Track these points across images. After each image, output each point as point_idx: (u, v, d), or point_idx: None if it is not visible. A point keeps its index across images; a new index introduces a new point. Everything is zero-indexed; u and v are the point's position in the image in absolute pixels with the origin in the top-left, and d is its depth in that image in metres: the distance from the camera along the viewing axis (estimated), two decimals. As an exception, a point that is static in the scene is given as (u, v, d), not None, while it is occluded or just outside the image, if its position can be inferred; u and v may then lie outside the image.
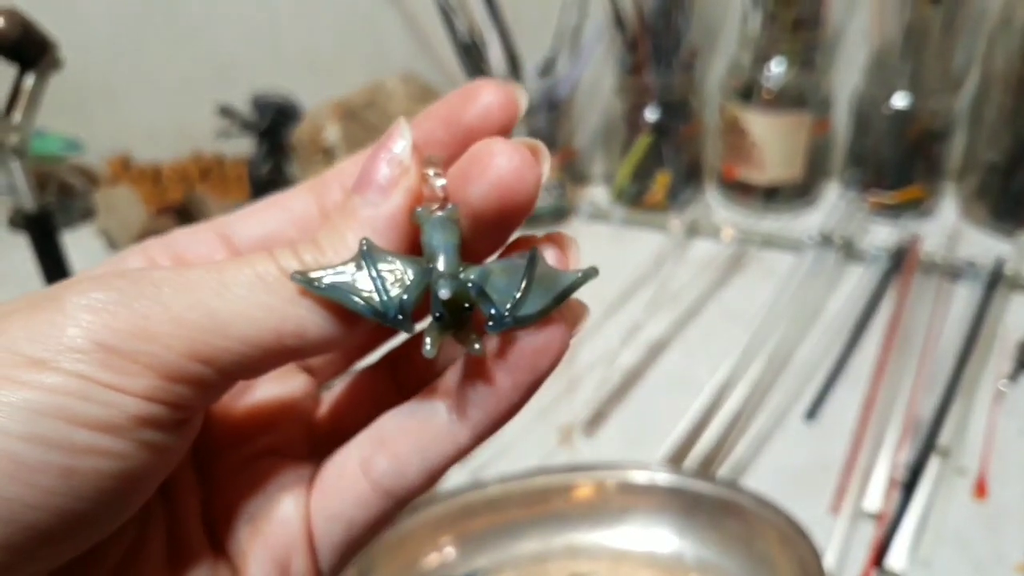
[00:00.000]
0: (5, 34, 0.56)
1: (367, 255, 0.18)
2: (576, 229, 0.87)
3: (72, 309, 0.17)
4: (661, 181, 0.86)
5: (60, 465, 0.16)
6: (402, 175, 0.19)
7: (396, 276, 0.18)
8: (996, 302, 0.68)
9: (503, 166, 0.18)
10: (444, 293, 0.18)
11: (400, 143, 0.19)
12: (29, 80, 0.60)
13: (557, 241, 0.21)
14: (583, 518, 0.50)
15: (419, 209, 0.19)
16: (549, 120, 0.84)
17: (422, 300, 0.18)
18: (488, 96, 0.20)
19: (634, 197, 0.88)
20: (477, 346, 0.18)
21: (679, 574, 0.48)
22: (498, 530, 0.50)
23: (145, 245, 0.22)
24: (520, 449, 0.59)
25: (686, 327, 0.71)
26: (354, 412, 0.24)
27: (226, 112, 0.90)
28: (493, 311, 0.18)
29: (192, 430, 0.19)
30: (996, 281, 0.70)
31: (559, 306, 0.19)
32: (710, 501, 0.49)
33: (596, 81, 0.89)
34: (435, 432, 0.20)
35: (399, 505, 0.21)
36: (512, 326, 0.18)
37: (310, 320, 0.18)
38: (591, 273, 0.20)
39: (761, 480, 0.55)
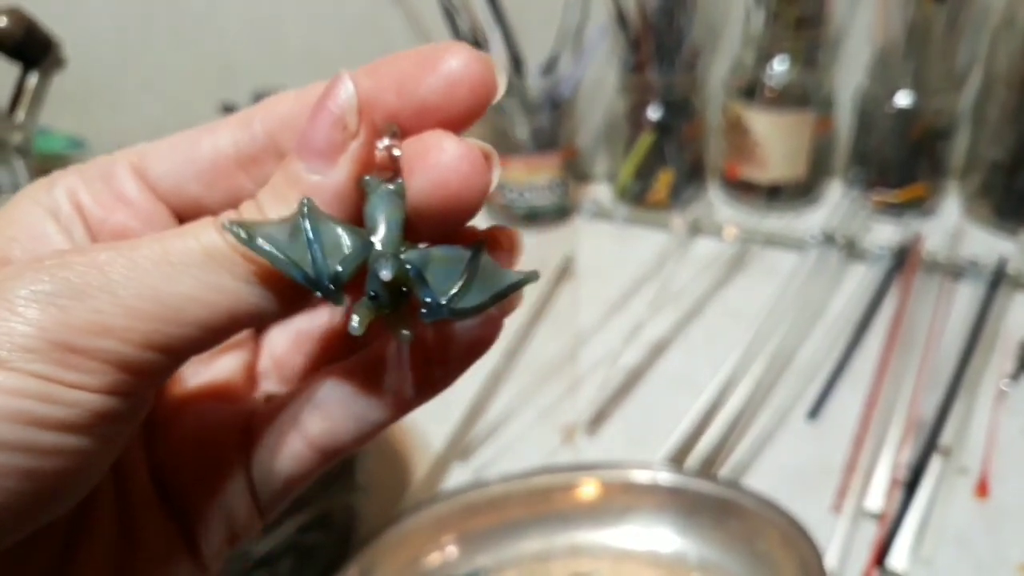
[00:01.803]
0: (9, 33, 0.56)
1: (308, 217, 0.17)
2: (578, 227, 0.87)
3: (19, 304, 0.16)
4: (664, 180, 0.86)
5: (23, 468, 0.16)
6: (347, 139, 0.17)
7: (334, 244, 0.17)
8: (999, 301, 0.68)
9: (450, 167, 0.17)
10: (385, 274, 0.17)
11: (342, 100, 0.17)
12: (32, 79, 0.60)
13: (503, 240, 0.19)
14: (585, 517, 0.51)
15: (367, 177, 0.18)
16: (552, 119, 0.84)
17: (358, 273, 0.17)
18: (454, 62, 0.18)
19: (637, 196, 0.88)
20: (406, 333, 0.18)
21: (681, 573, 0.48)
22: (500, 529, 0.50)
23: (66, 178, 0.20)
24: (522, 448, 0.59)
25: (688, 326, 0.71)
26: (296, 358, 0.24)
27: (229, 110, 0.90)
28: (429, 300, 0.17)
29: (144, 412, 0.18)
30: (999, 280, 0.70)
31: (496, 304, 0.18)
32: (712, 501, 0.49)
33: (599, 80, 0.89)
34: (368, 401, 0.21)
35: (333, 458, 0.22)
36: (447, 318, 0.18)
37: (264, 297, 0.17)
38: (532, 277, 0.19)
39: (763, 480, 0.55)
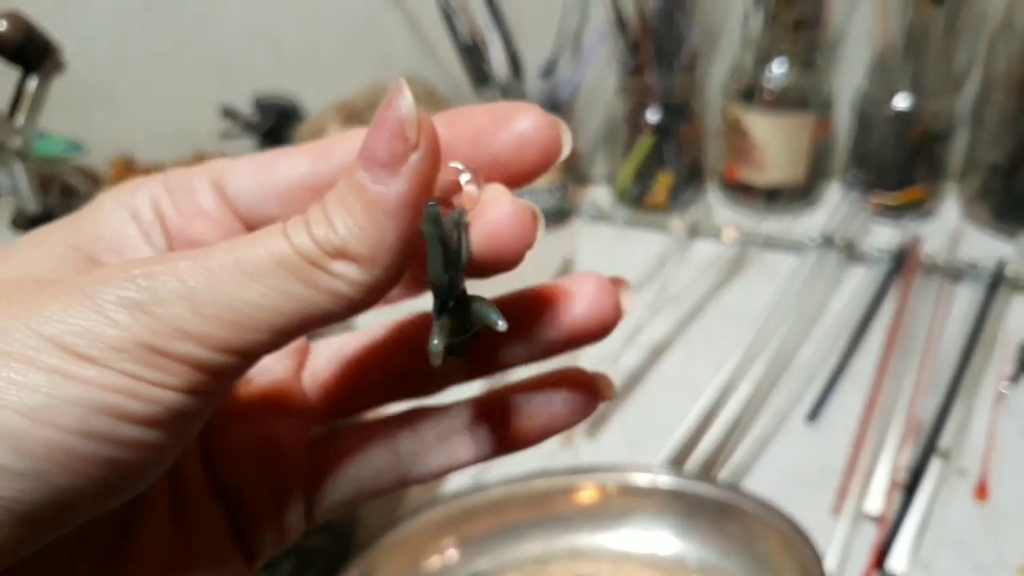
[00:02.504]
0: (8, 38, 0.56)
1: (432, 228, 0.18)
2: (578, 230, 0.87)
3: (110, 309, 0.17)
4: (663, 182, 0.86)
5: (108, 457, 0.17)
6: (407, 151, 0.18)
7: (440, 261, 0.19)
8: (998, 303, 0.68)
9: (503, 223, 0.18)
10: (502, 324, 0.19)
11: (403, 111, 0.18)
12: (32, 83, 0.60)
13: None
14: (585, 520, 0.51)
15: (431, 203, 0.19)
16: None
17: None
18: (527, 122, 0.19)
19: (636, 198, 0.88)
20: (501, 322, 0.19)
21: (680, 576, 0.48)
22: (500, 532, 0.50)
23: (149, 185, 0.22)
24: (522, 451, 0.59)
25: (687, 328, 0.71)
26: (362, 374, 0.25)
27: (229, 113, 0.90)
28: (501, 322, 0.19)
29: (212, 411, 0.20)
30: (998, 282, 0.70)
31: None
32: (711, 503, 0.49)
33: (598, 82, 0.89)
34: (463, 440, 0.23)
35: (409, 484, 0.23)
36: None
37: (333, 302, 0.18)
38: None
39: (762, 482, 0.55)
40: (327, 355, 0.25)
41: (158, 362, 0.17)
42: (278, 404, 0.24)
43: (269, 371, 0.25)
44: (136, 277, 0.17)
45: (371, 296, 0.19)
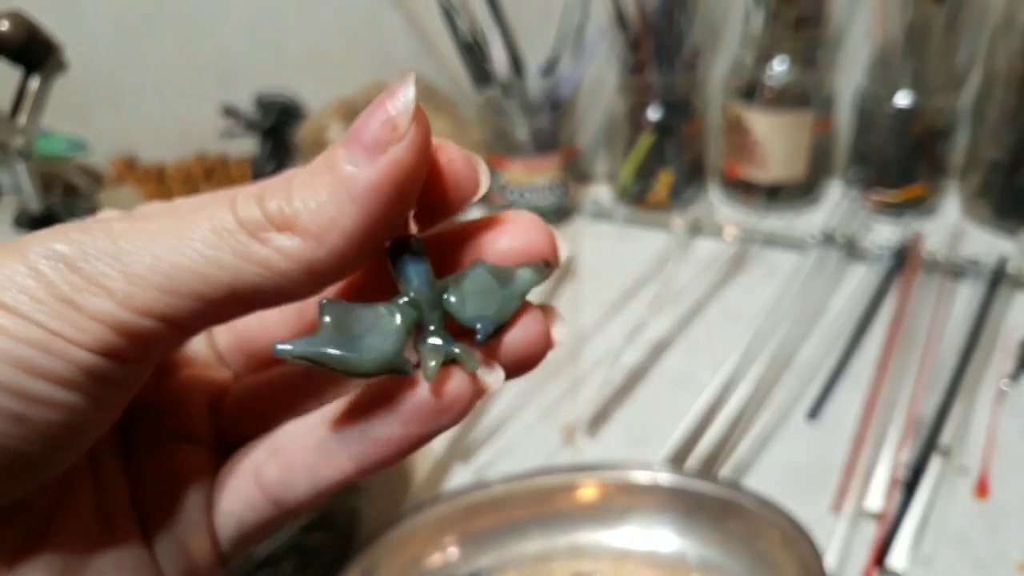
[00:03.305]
0: (11, 37, 0.56)
1: (330, 312, 0.18)
2: (579, 228, 0.87)
3: (32, 259, 0.17)
4: (664, 180, 0.86)
5: (14, 412, 0.17)
6: (392, 140, 0.17)
7: (377, 328, 0.18)
8: (998, 301, 0.68)
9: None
10: (433, 342, 0.19)
11: (400, 103, 0.17)
12: (34, 82, 0.60)
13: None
14: (586, 518, 0.51)
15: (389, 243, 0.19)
16: (552, 119, 0.84)
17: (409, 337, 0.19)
18: (449, 155, 0.20)
19: (637, 196, 0.88)
20: (472, 361, 0.19)
21: (681, 574, 0.48)
22: (501, 530, 0.50)
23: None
24: (523, 449, 0.59)
25: (688, 326, 0.71)
26: (263, 408, 0.24)
27: (230, 112, 0.90)
28: (481, 325, 0.19)
29: (136, 387, 0.19)
30: (998, 280, 0.70)
31: (521, 303, 0.20)
32: (712, 501, 0.49)
33: (599, 80, 0.89)
34: (325, 454, 0.20)
35: (288, 515, 0.22)
36: (496, 333, 0.19)
37: (261, 278, 0.18)
38: (541, 269, 0.20)
39: (763, 480, 0.55)
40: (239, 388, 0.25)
41: (73, 317, 0.17)
42: (189, 428, 0.23)
43: (184, 390, 0.24)
44: (69, 231, 0.17)
45: (308, 278, 0.18)
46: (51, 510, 0.20)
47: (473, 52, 0.81)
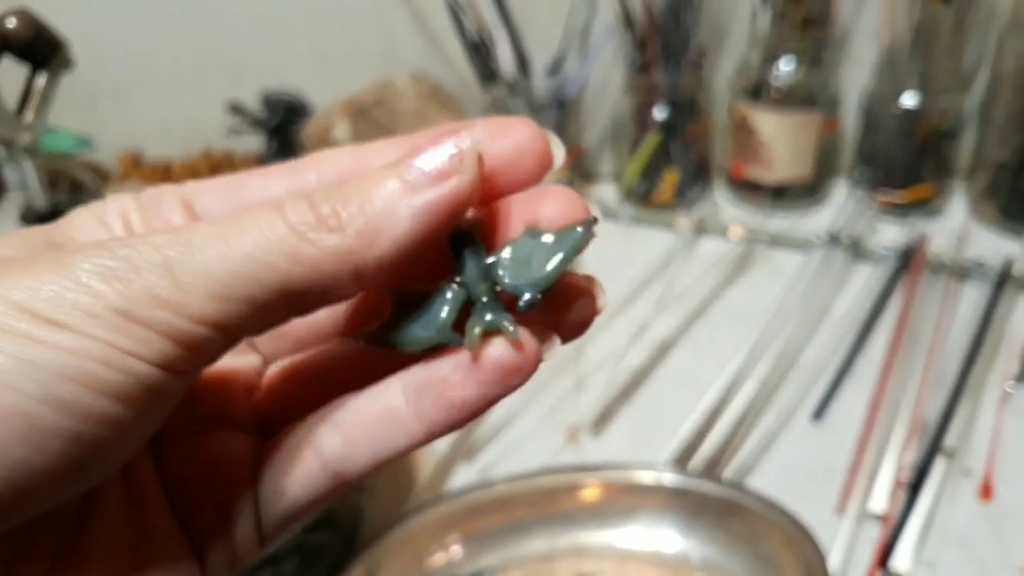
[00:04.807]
0: (17, 35, 0.56)
1: (400, 305, 0.20)
2: (584, 227, 0.87)
3: (83, 275, 0.17)
4: (669, 180, 0.86)
5: (71, 431, 0.16)
6: (456, 172, 0.19)
7: (436, 313, 0.20)
8: (1004, 302, 0.68)
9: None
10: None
11: (470, 142, 0.19)
12: (41, 79, 0.60)
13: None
14: (589, 518, 0.51)
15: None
16: (558, 119, 0.84)
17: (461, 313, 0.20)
18: (521, 133, 0.20)
19: (642, 195, 0.88)
20: (512, 329, 0.20)
21: (684, 574, 0.48)
22: (504, 529, 0.51)
23: (120, 200, 0.22)
24: (527, 448, 0.59)
25: (693, 326, 0.71)
26: (302, 390, 0.24)
27: (236, 109, 0.90)
28: (528, 295, 0.20)
29: (176, 401, 0.19)
30: (1004, 281, 0.70)
31: (571, 260, 0.20)
32: (715, 502, 0.49)
33: (605, 80, 0.89)
34: (390, 423, 0.21)
35: (345, 486, 0.22)
36: (540, 299, 0.20)
37: (311, 280, 0.18)
38: (591, 222, 0.21)
39: (767, 480, 0.55)
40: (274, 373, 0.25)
41: (132, 329, 0.17)
42: (224, 413, 0.23)
43: (218, 376, 0.24)
44: (113, 247, 0.17)
45: (354, 281, 0.19)
46: (79, 517, 0.20)
47: (479, 51, 0.81)
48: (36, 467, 0.16)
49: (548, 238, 0.20)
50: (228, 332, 0.18)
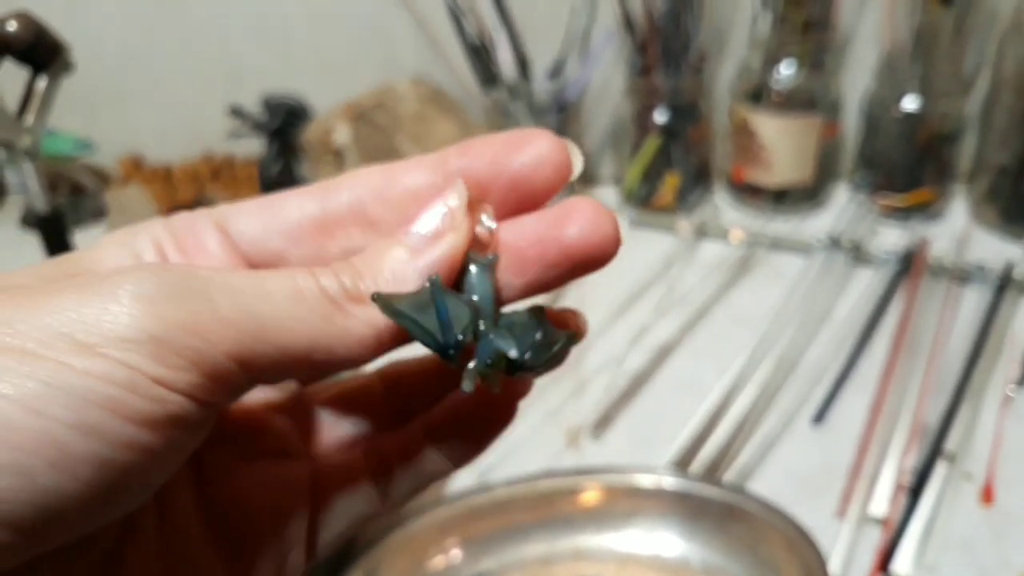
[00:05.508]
0: (18, 38, 0.56)
1: (438, 292, 0.20)
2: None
3: (123, 297, 0.17)
4: (670, 183, 0.86)
5: (101, 457, 0.16)
6: (450, 229, 0.20)
7: (456, 316, 0.20)
8: (1005, 306, 0.68)
9: (594, 217, 0.21)
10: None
11: (455, 199, 0.20)
12: (41, 83, 0.60)
13: (568, 318, 0.23)
14: (589, 521, 0.51)
15: (470, 252, 0.21)
16: (558, 122, 0.84)
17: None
18: (541, 144, 0.21)
19: (643, 199, 0.88)
20: (496, 390, 0.20)
21: (684, 578, 0.48)
22: (504, 533, 0.50)
23: (151, 228, 0.22)
24: (527, 451, 0.59)
25: (694, 329, 0.71)
26: (343, 417, 0.26)
27: (237, 113, 0.90)
28: (528, 358, 0.20)
29: (203, 434, 0.19)
30: (1005, 285, 0.70)
31: (552, 359, 0.21)
32: (716, 505, 0.49)
33: (605, 83, 0.89)
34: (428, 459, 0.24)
35: (390, 508, 0.24)
36: (530, 371, 0.21)
37: (338, 341, 0.19)
38: (576, 338, 0.22)
39: (767, 484, 0.55)
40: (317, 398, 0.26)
41: (165, 357, 0.17)
42: (282, 447, 0.24)
43: (267, 410, 0.25)
44: (155, 270, 0.17)
45: (376, 345, 0.20)
46: (116, 545, 0.20)
47: (480, 54, 0.81)
48: (67, 493, 0.16)
49: (546, 327, 0.21)
50: (251, 372, 0.18)
